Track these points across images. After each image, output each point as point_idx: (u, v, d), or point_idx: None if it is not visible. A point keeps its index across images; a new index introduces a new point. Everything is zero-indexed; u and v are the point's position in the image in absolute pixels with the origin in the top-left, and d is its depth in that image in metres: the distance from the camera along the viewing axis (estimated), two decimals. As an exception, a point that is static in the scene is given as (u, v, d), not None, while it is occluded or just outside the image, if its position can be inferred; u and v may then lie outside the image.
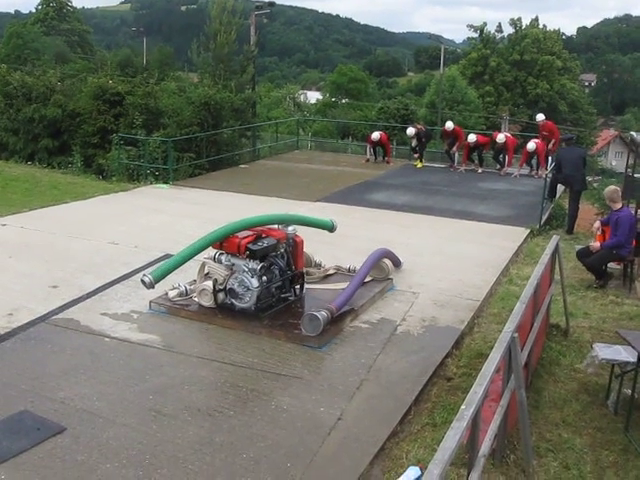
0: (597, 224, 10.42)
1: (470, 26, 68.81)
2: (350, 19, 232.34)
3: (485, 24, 67.69)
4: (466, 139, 19.91)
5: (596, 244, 9.82)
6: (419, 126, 21.82)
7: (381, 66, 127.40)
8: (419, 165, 20.86)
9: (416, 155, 21.38)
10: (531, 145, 18.52)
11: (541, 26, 68.20)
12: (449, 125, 20.67)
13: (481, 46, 65.86)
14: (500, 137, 19.58)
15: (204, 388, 6.52)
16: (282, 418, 5.95)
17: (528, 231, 12.93)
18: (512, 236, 12.52)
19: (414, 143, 21.02)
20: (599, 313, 8.79)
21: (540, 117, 20.19)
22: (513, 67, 64.18)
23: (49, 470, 5.14)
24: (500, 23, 71.11)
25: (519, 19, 67.40)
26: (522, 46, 64.02)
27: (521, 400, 4.85)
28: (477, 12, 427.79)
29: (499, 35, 69.39)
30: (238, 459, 5.33)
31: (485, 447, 4.33)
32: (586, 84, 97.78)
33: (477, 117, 53.93)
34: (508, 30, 68.29)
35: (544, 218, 13.85)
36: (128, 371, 6.77)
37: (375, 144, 21.56)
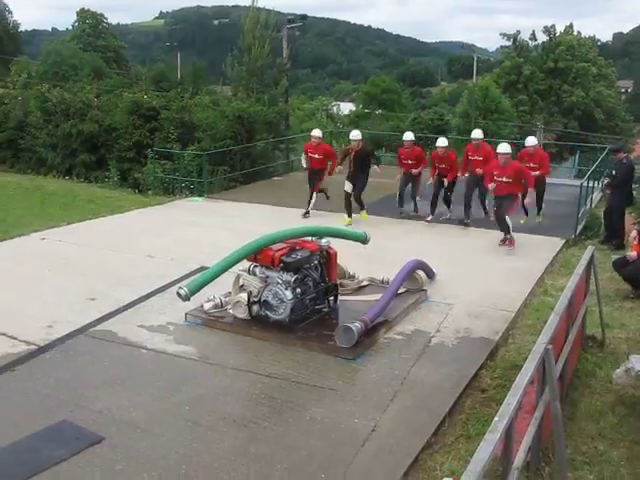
0: (634, 233, 10.23)
1: (503, 34, 68.36)
2: (382, 30, 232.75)
3: (519, 32, 67.16)
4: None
5: (633, 254, 9.69)
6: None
7: (414, 76, 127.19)
8: None
9: None
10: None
11: (575, 33, 67.53)
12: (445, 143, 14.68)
13: (515, 54, 65.40)
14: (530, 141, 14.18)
15: (239, 399, 6.59)
16: (316, 429, 5.99)
17: (563, 241, 12.79)
18: (547, 246, 12.40)
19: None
20: (636, 324, 8.67)
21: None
22: (547, 75, 63.53)
23: (88, 479, 5.25)
24: (534, 31, 69.82)
25: (553, 26, 66.74)
26: (556, 53, 63.35)
27: (556, 412, 4.82)
28: (510, 20, 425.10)
29: (533, 43, 68.83)
30: (273, 470, 5.38)
31: (519, 459, 4.31)
32: (622, 90, 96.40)
33: (512, 126, 53.51)
34: (542, 38, 67.67)
35: (580, 228, 13.69)
36: (165, 382, 6.86)
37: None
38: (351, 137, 14.28)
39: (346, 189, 14.09)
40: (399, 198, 14.71)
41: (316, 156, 14.62)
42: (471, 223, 13.81)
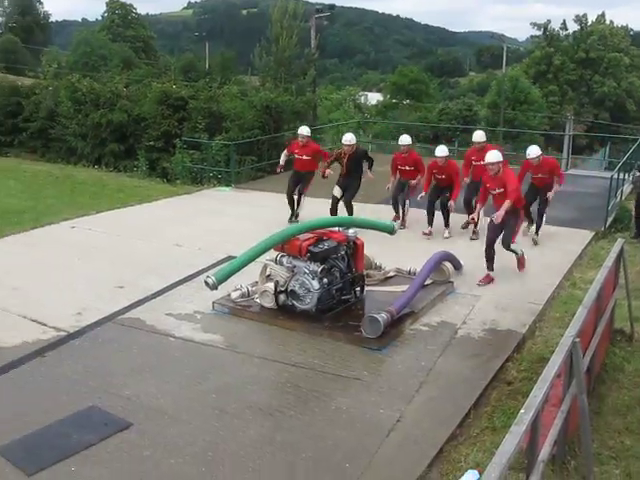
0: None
1: (533, 24, 67.70)
2: (410, 19, 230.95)
3: (549, 21, 66.55)
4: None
5: (663, 247, 9.54)
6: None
7: (442, 66, 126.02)
8: None
9: None
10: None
11: (608, 22, 66.50)
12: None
13: (545, 44, 64.67)
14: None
15: (266, 388, 6.64)
16: (342, 419, 6.02)
17: (593, 234, 12.64)
18: (576, 239, 12.26)
19: None
20: (666, 318, 8.55)
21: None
22: (578, 65, 62.78)
23: (116, 464, 5.34)
24: (564, 20, 68.76)
25: (584, 15, 66.02)
26: (588, 43, 62.58)
27: (582, 406, 4.79)
28: (540, 9, 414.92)
29: (564, 32, 67.90)
30: (298, 458, 5.42)
31: (545, 452, 4.30)
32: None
33: (541, 117, 52.99)
34: (573, 27, 66.77)
35: (609, 220, 13.52)
36: (192, 370, 6.94)
37: None
38: (344, 142, 12.58)
39: (334, 193, 12.68)
40: (394, 206, 13.01)
41: (304, 157, 13.10)
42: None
